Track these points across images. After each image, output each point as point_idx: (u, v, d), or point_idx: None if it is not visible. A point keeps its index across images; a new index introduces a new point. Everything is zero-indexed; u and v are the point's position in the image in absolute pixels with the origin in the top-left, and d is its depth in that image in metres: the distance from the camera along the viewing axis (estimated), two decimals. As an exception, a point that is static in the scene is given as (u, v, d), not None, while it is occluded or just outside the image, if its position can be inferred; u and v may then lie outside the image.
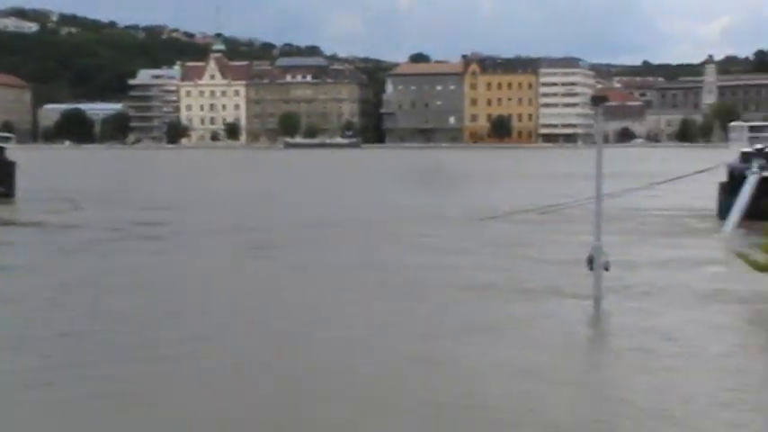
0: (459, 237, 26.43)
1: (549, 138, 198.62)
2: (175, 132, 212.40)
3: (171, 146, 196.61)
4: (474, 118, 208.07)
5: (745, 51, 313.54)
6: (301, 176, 69.14)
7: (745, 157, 30.51)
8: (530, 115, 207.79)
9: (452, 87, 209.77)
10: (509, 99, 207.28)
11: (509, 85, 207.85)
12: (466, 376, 11.43)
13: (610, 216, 22.51)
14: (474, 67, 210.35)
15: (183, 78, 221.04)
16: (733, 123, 35.56)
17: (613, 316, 15.15)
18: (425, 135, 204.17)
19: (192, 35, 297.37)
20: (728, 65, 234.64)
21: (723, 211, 29.19)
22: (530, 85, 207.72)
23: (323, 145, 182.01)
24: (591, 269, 15.82)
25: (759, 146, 31.14)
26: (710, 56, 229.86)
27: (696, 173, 32.04)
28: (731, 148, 32.65)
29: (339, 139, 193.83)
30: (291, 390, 10.77)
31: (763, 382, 11.39)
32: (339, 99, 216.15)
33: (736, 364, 11.86)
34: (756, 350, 12.91)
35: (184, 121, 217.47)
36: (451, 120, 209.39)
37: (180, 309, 15.80)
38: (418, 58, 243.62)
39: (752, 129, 33.70)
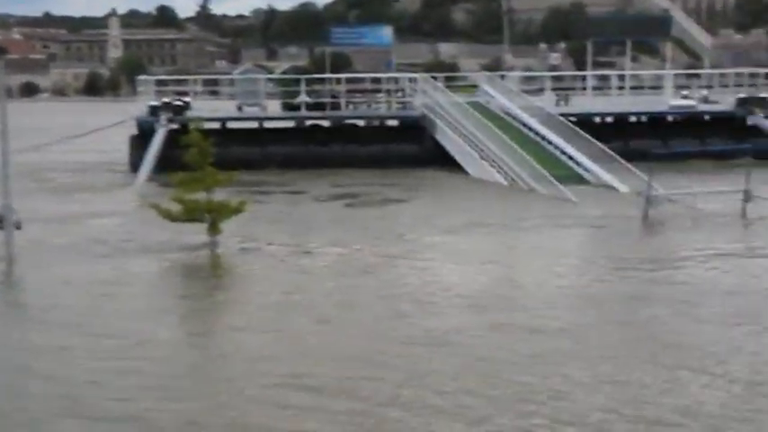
0: None
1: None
2: None
3: None
4: None
5: (148, 6, 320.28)
6: None
7: (154, 111, 31.14)
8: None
9: None
10: None
11: None
12: None
13: (21, 173, 21.69)
14: None
15: None
16: (140, 77, 35.80)
17: (27, 276, 14.60)
18: None
19: None
20: (132, 19, 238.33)
21: (135, 164, 29.58)
22: None
23: None
24: (1, 229, 15.11)
25: (166, 99, 31.95)
26: (114, 9, 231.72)
27: (110, 126, 32.10)
28: (140, 102, 33.05)
29: None
30: None
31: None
32: None
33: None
34: (167, 300, 13.34)
35: None
36: None
37: None
38: None
39: (158, 83, 34.36)
